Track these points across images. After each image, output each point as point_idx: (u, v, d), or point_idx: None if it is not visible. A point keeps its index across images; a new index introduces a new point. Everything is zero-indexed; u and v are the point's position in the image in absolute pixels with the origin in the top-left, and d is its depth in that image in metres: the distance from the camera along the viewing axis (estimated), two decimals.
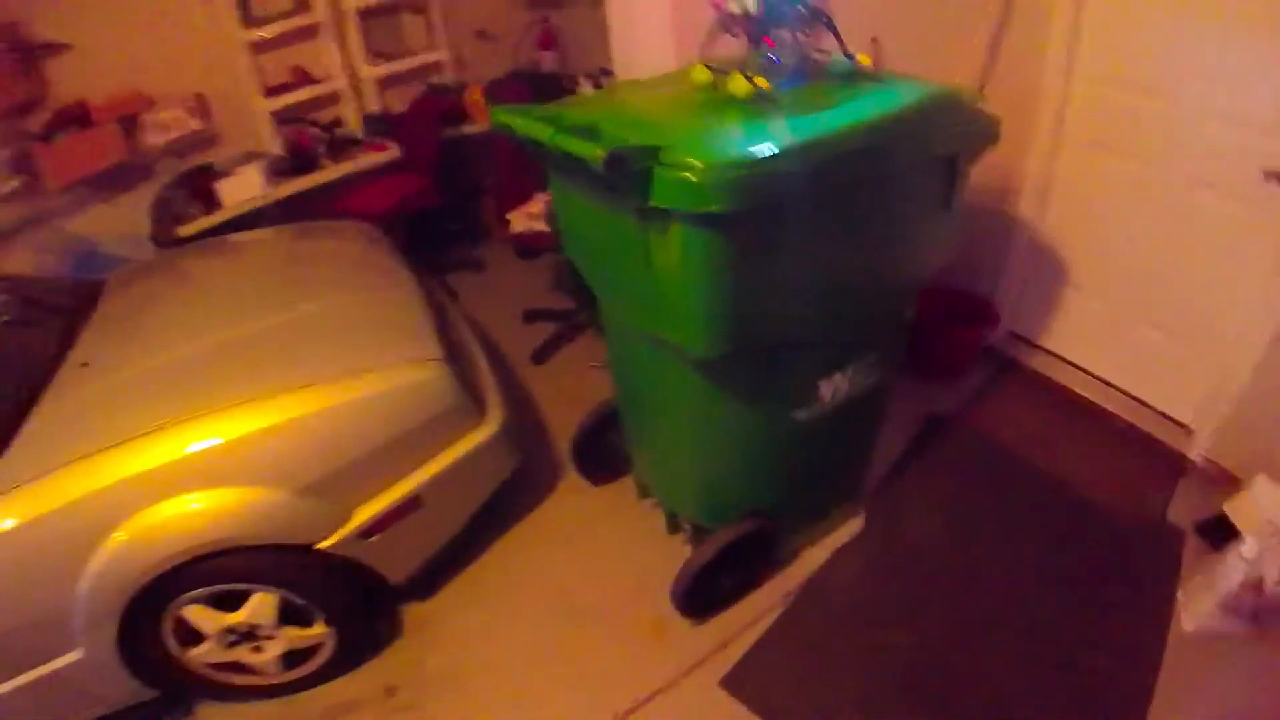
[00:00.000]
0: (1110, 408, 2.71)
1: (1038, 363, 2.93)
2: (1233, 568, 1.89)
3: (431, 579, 2.07)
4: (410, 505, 1.77)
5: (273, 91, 3.57)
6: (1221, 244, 2.32)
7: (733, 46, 1.47)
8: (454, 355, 1.96)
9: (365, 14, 3.71)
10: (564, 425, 2.52)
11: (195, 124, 3.35)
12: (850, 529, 2.20)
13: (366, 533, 1.72)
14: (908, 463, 2.44)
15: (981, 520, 2.28)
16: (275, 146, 3.60)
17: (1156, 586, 2.07)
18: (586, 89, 3.59)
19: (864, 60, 1.47)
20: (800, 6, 1.34)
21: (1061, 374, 2.86)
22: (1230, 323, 2.33)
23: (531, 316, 3.39)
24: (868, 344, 1.67)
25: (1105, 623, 1.97)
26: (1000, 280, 2.89)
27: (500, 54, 4.30)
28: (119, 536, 1.46)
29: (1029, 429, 2.65)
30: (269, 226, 3.20)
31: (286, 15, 3.50)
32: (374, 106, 3.90)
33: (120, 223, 3.25)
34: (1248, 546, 1.88)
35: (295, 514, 1.62)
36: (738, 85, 1.28)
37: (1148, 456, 2.53)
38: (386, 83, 3.93)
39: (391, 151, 3.74)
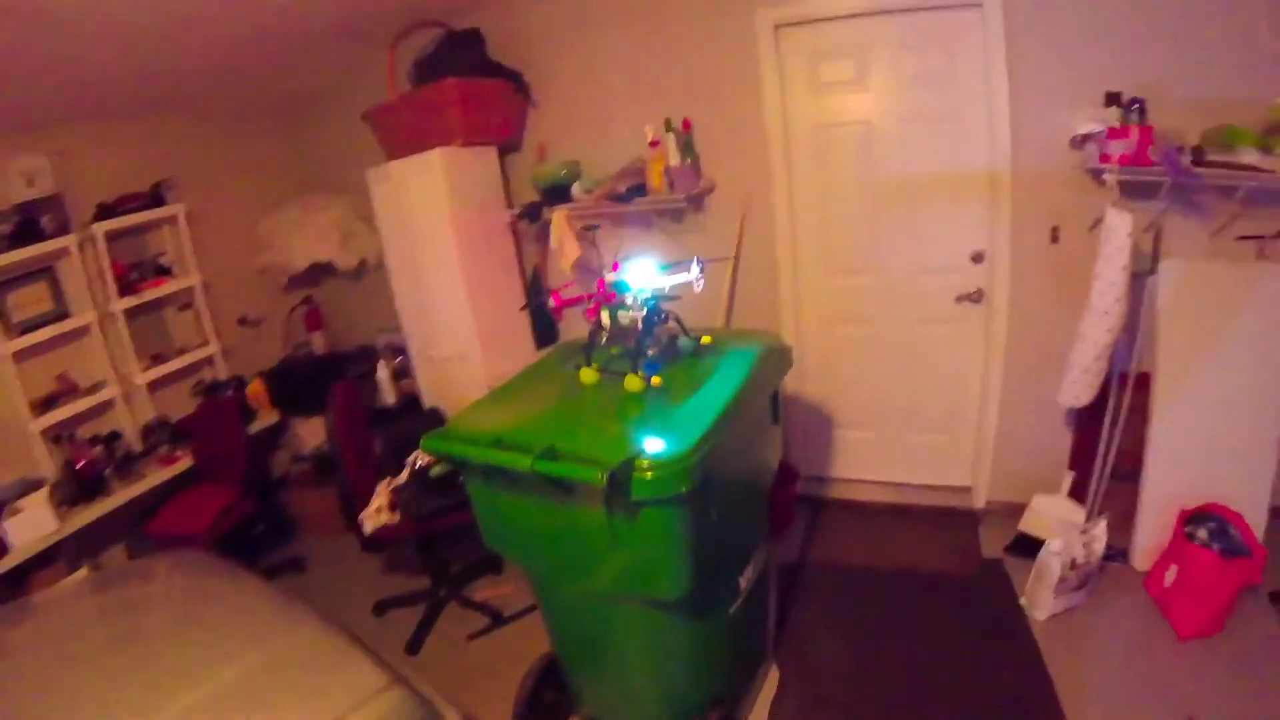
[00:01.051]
0: (909, 501, 3.44)
1: (841, 491, 3.59)
2: (1052, 561, 2.51)
3: None
4: None
5: (40, 406, 3.23)
6: (943, 355, 3.28)
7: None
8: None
9: (131, 314, 3.56)
10: (475, 703, 2.45)
11: None
12: (773, 681, 2.43)
13: None
14: (786, 610, 2.81)
15: (864, 630, 2.68)
16: (51, 468, 3.22)
17: (1005, 603, 2.71)
18: (384, 371, 3.79)
19: (706, 340, 1.92)
20: (662, 314, 1.76)
21: (862, 492, 3.54)
22: (968, 403, 3.29)
23: (383, 608, 3.20)
24: (758, 537, 2.08)
25: (988, 650, 2.49)
26: (787, 442, 3.56)
27: (268, 340, 4.30)
28: None
29: (858, 543, 3.23)
30: (92, 569, 2.96)
31: (49, 320, 3.28)
32: (149, 413, 3.68)
33: None
34: (1055, 542, 2.53)
35: None
36: (633, 384, 1.64)
37: (951, 521, 3.29)
38: (158, 384, 3.73)
39: (184, 461, 3.56)
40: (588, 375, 1.77)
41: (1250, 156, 2.45)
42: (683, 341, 1.89)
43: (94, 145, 3.48)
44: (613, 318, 1.74)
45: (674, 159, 3.04)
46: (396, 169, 3.29)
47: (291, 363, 4.29)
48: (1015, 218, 2.98)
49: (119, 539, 3.49)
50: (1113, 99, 2.66)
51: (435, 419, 3.43)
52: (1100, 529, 2.59)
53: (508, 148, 3.56)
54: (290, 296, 4.45)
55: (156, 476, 3.46)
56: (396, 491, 2.85)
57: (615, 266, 1.77)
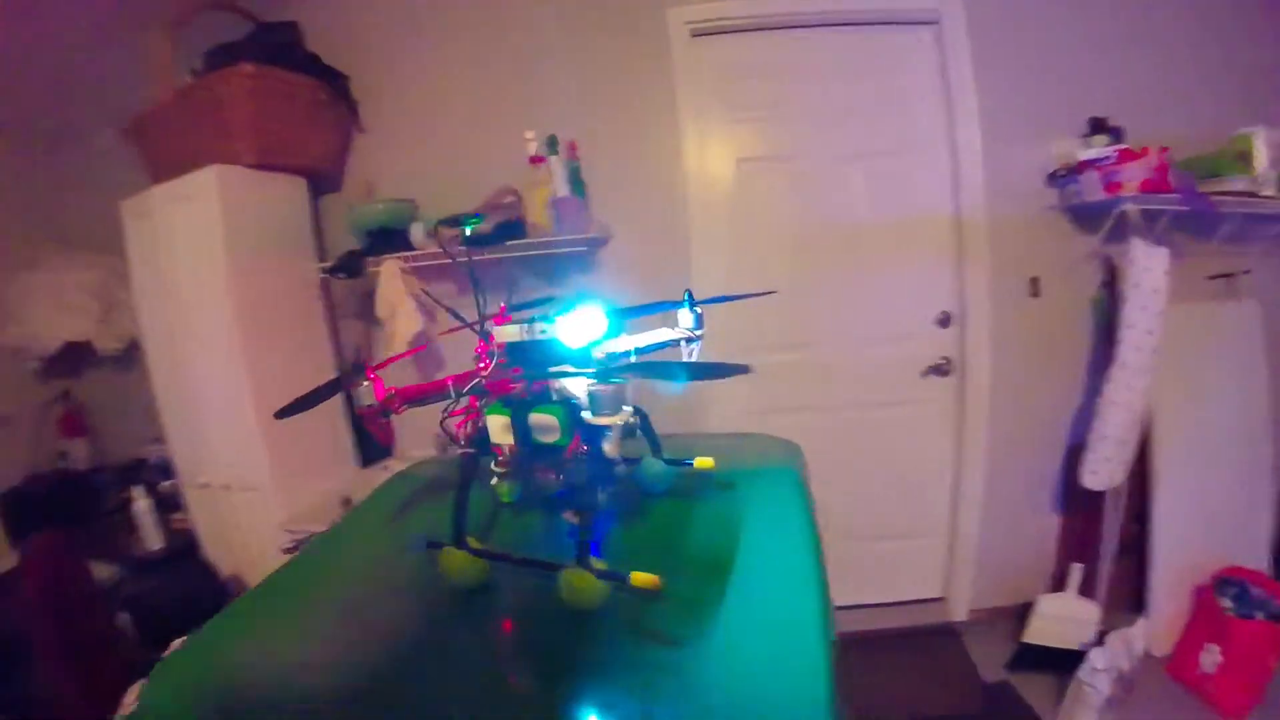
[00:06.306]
0: (874, 625, 2.70)
1: None
2: (1098, 681, 2.01)
3: None
4: None
5: None
6: (905, 443, 2.65)
7: None
8: None
9: None
10: None
11: None
12: None
13: None
14: None
15: None
16: None
17: None
18: (143, 502, 2.54)
19: (704, 464, 0.98)
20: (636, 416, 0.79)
21: None
22: (938, 498, 2.67)
23: None
24: None
25: None
26: None
27: (11, 447, 2.96)
28: None
29: None
30: None
31: None
32: None
33: None
34: (1096, 656, 2.05)
35: None
36: (583, 585, 0.70)
37: (931, 643, 2.63)
38: None
39: None
40: (461, 567, 0.78)
41: (1240, 184, 2.19)
42: (647, 463, 0.97)
43: None
44: (521, 429, 0.77)
45: (562, 187, 2.20)
46: (158, 196, 2.18)
47: (37, 481, 2.98)
48: (990, 270, 2.46)
49: None
50: (1098, 125, 2.34)
51: (204, 581, 2.23)
52: (1138, 628, 2.16)
53: (324, 184, 2.57)
54: (47, 389, 3.16)
55: None
56: None
57: (503, 315, 0.88)
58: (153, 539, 2.52)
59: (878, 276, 2.55)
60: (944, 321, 2.56)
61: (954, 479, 2.64)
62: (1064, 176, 2.33)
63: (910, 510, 2.71)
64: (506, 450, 0.80)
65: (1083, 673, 2.07)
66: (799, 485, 1.01)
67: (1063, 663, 2.17)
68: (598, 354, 0.78)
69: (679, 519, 0.91)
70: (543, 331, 0.77)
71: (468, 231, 0.87)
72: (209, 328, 2.16)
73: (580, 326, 0.73)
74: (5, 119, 2.86)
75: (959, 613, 2.69)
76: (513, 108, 2.50)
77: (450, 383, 0.81)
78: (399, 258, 2.28)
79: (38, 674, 1.65)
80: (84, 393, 3.29)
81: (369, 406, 0.82)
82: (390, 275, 2.24)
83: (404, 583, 0.86)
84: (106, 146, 2.64)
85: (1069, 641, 2.22)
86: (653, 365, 0.74)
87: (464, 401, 0.83)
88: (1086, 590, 2.35)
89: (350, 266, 2.32)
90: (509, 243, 2.17)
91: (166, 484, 2.70)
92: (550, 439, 0.75)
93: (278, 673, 0.74)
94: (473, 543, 0.80)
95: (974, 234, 2.44)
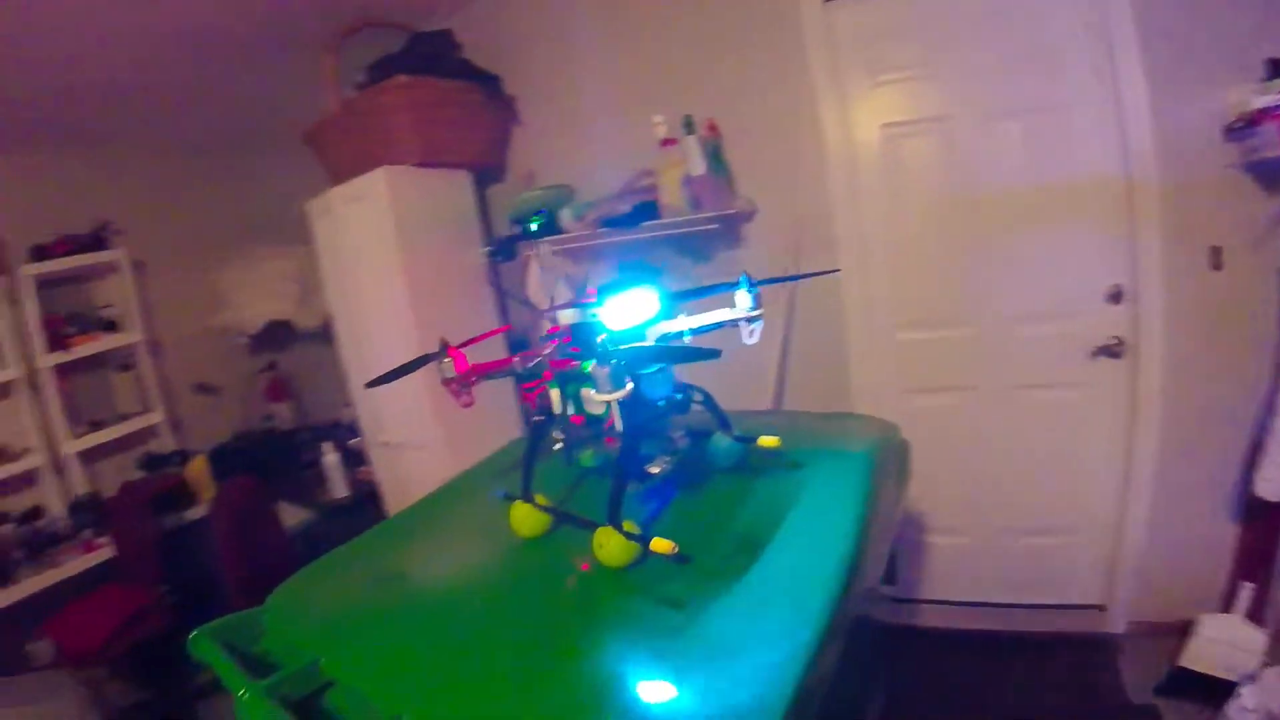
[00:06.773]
0: (1021, 627, 2.54)
1: (928, 617, 2.70)
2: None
3: None
4: None
5: None
6: (1066, 430, 2.42)
7: None
8: None
9: (68, 373, 2.99)
10: None
11: None
12: None
13: None
14: None
15: None
16: None
17: None
18: (332, 456, 2.99)
19: (769, 443, 0.98)
20: (679, 392, 0.88)
21: (957, 617, 2.65)
22: (1102, 493, 2.42)
23: None
24: None
25: None
26: None
27: (225, 410, 3.66)
28: None
29: (956, 691, 2.36)
30: None
31: None
32: (81, 489, 3.02)
33: None
34: (1249, 695, 1.83)
35: None
36: (611, 545, 0.78)
37: (1081, 654, 2.42)
38: (94, 455, 3.10)
39: (104, 550, 2.87)
40: (525, 518, 0.90)
41: None
42: (717, 439, 1.01)
43: (27, 179, 3.02)
44: (572, 401, 0.88)
45: (697, 166, 2.25)
46: (336, 197, 2.54)
47: (244, 439, 3.60)
48: (1164, 238, 2.18)
49: (10, 649, 2.74)
50: (1277, 67, 1.97)
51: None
52: None
53: (488, 175, 2.82)
54: (255, 361, 3.82)
55: (73, 566, 2.83)
56: None
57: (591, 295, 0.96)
58: (339, 489, 2.96)
59: (1039, 246, 2.34)
60: (1115, 296, 2.29)
61: (1122, 474, 2.38)
62: (1241, 129, 2.01)
63: (1071, 506, 2.48)
64: (561, 419, 0.90)
65: (1230, 709, 1.84)
66: (866, 472, 1.01)
67: (1220, 693, 1.94)
68: (651, 334, 0.85)
69: (735, 494, 0.96)
70: (592, 315, 0.85)
71: (532, 228, 0.98)
72: (386, 308, 2.50)
73: (622, 310, 0.80)
74: (206, 139, 3.43)
75: (1117, 624, 2.45)
76: (653, 91, 2.58)
77: (517, 360, 0.92)
78: (549, 241, 2.46)
79: (229, 601, 2.02)
80: (288, 364, 3.88)
81: (450, 380, 0.95)
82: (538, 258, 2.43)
83: (487, 528, 0.99)
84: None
85: (1228, 671, 1.98)
86: (636, 350, 0.80)
87: (538, 376, 0.94)
88: (1255, 614, 2.06)
89: (505, 251, 2.57)
90: (644, 224, 2.27)
91: (354, 441, 3.13)
92: (597, 411, 0.84)
93: (375, 592, 0.90)
94: (540, 499, 0.91)
95: (1145, 197, 2.16)
